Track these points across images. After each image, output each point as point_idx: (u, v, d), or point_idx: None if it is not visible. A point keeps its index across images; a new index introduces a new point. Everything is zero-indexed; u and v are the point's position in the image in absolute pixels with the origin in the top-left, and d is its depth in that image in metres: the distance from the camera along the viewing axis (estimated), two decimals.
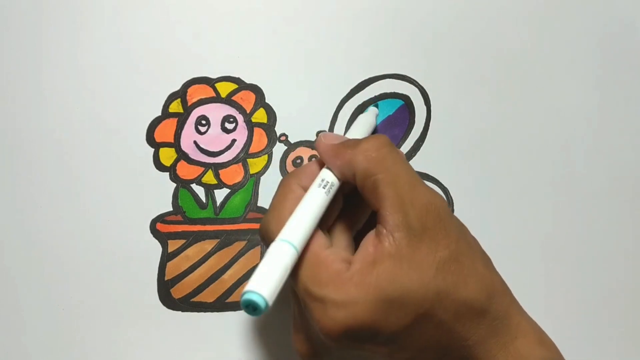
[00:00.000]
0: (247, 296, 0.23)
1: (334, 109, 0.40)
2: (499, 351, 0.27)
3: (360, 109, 0.39)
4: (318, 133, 0.39)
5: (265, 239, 0.28)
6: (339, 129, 0.39)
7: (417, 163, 0.39)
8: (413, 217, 0.26)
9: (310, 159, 0.39)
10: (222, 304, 0.37)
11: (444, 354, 0.27)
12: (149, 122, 0.39)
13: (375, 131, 0.38)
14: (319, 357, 0.29)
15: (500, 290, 0.28)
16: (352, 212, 0.30)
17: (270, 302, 0.23)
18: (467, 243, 0.28)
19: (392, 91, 0.40)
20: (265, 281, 0.24)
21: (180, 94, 0.40)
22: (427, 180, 0.39)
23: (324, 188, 0.28)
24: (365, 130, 0.35)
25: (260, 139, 0.39)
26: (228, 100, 0.40)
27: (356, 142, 0.29)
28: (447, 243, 0.26)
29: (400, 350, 0.26)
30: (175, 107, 0.40)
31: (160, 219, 0.38)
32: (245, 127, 0.39)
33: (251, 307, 0.23)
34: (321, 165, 0.30)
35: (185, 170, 0.39)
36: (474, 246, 0.29)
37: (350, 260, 0.26)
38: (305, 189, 0.29)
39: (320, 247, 0.27)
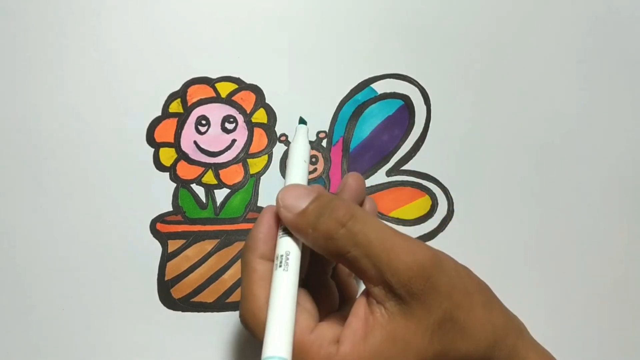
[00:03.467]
0: None
1: (334, 109, 0.40)
2: None
3: (361, 109, 0.40)
4: (318, 133, 0.39)
5: (247, 329, 0.27)
6: (339, 129, 0.39)
7: (417, 163, 0.39)
8: (397, 286, 0.25)
9: (310, 159, 0.39)
10: (222, 304, 0.37)
11: None
12: (149, 122, 0.39)
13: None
14: None
15: (502, 333, 0.27)
16: (320, 258, 0.29)
17: None
18: (462, 291, 0.26)
19: (392, 91, 0.40)
20: None
21: (180, 94, 0.40)
22: (427, 180, 0.39)
23: (289, 265, 0.26)
24: (304, 173, 0.30)
25: (260, 139, 0.39)
26: (228, 101, 0.40)
27: (317, 217, 0.26)
28: (439, 302, 0.25)
29: None
30: (176, 107, 0.40)
31: (160, 219, 0.38)
32: (246, 127, 0.39)
33: None
34: (274, 222, 0.28)
35: (186, 170, 0.39)
36: (471, 288, 0.27)
37: (339, 337, 0.25)
38: (267, 258, 0.27)
39: (303, 333, 0.25)
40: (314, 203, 0.26)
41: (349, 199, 0.29)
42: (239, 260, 0.37)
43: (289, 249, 0.26)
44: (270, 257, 0.27)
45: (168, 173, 0.39)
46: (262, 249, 0.27)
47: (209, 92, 0.40)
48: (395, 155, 0.39)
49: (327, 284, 0.31)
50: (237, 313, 0.36)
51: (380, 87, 0.40)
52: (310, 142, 0.39)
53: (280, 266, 0.26)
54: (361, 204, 0.30)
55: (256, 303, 0.26)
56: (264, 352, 0.24)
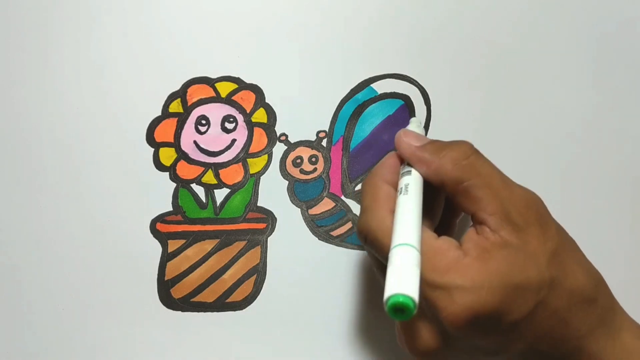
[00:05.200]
0: (396, 298, 0.22)
1: (334, 109, 0.40)
2: (607, 342, 0.27)
3: (361, 109, 0.40)
4: (318, 133, 0.39)
5: (367, 239, 0.28)
6: (339, 128, 0.39)
7: None
8: (514, 214, 0.26)
9: (310, 158, 0.39)
10: (222, 304, 0.37)
11: (556, 346, 0.27)
12: (149, 122, 0.39)
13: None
14: (428, 355, 0.27)
15: (604, 281, 0.28)
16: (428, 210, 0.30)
17: (417, 302, 0.23)
18: (567, 235, 0.28)
19: (392, 91, 0.40)
20: (407, 283, 0.23)
21: (180, 94, 0.40)
22: None
23: (410, 191, 0.27)
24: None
25: (260, 139, 0.39)
26: (228, 100, 0.40)
27: (441, 148, 0.29)
28: (552, 235, 0.27)
29: (517, 340, 0.26)
30: (175, 107, 0.40)
31: (160, 218, 0.38)
32: (245, 127, 0.39)
33: (399, 310, 0.23)
34: (399, 157, 0.30)
35: (185, 170, 0.39)
36: (572, 239, 0.29)
37: (463, 249, 0.26)
38: (391, 184, 0.29)
39: (430, 238, 0.26)
40: (435, 142, 0.29)
41: None
42: (239, 260, 0.37)
43: (409, 181, 0.28)
44: (395, 186, 0.29)
45: (168, 173, 0.39)
46: (388, 176, 0.29)
47: (208, 92, 0.40)
48: None
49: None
50: (237, 313, 0.36)
51: (380, 87, 0.40)
52: (310, 142, 0.39)
53: (403, 193, 0.27)
54: None
55: (381, 212, 0.27)
56: (395, 240, 0.25)
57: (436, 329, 0.26)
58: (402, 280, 0.23)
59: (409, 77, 0.40)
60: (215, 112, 0.40)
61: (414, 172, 0.29)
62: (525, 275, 0.25)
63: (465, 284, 0.24)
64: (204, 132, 0.39)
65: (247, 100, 0.40)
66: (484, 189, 0.27)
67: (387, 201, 0.28)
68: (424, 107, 0.40)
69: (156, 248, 0.37)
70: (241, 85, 0.40)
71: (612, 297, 0.28)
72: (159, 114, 0.40)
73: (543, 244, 0.26)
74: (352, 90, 0.40)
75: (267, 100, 0.40)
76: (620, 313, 0.28)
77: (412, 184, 0.28)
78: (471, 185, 0.27)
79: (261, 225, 0.38)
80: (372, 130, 0.39)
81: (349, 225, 0.38)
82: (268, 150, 0.39)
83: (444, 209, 0.31)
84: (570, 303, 0.26)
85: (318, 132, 0.39)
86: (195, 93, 0.40)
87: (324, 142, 0.39)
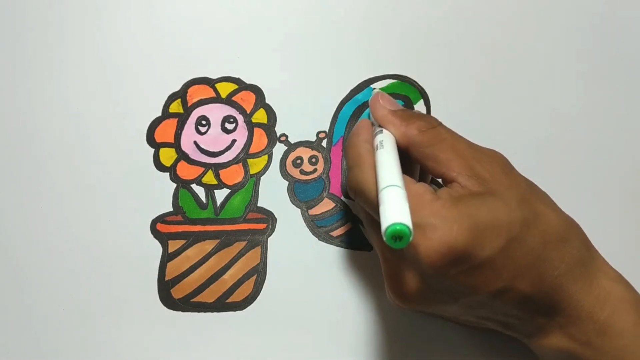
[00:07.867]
0: (393, 227, 0.24)
1: (334, 109, 0.40)
2: (584, 283, 0.28)
3: (361, 109, 0.40)
4: (318, 133, 0.39)
5: (357, 191, 0.30)
6: (339, 129, 0.39)
7: None
8: (480, 169, 0.28)
9: (310, 159, 0.39)
10: (222, 304, 0.37)
11: (535, 285, 0.27)
12: (149, 122, 0.40)
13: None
14: (412, 300, 0.29)
15: (579, 227, 0.30)
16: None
17: (412, 229, 0.24)
18: (536, 186, 0.30)
19: (392, 91, 0.40)
20: (401, 214, 0.25)
21: (180, 94, 0.40)
22: None
23: (385, 146, 0.30)
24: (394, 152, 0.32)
25: (260, 139, 0.39)
26: (228, 101, 0.40)
27: (410, 116, 0.31)
28: (518, 184, 0.29)
29: (496, 278, 0.27)
30: (176, 107, 0.40)
31: (161, 219, 0.38)
32: (246, 128, 0.39)
33: (398, 238, 0.24)
34: (370, 123, 0.33)
35: (186, 171, 0.39)
36: (543, 191, 0.30)
37: (437, 195, 0.28)
38: (368, 143, 0.31)
39: (409, 183, 0.28)
40: (406, 110, 0.32)
41: None
42: (239, 260, 0.37)
43: (383, 138, 0.30)
44: (371, 144, 0.31)
45: (168, 173, 0.39)
46: (365, 136, 0.31)
47: (209, 93, 0.40)
48: None
49: None
50: (237, 313, 0.36)
51: (380, 88, 0.40)
52: (310, 142, 0.39)
53: (380, 148, 0.30)
54: None
55: (368, 167, 0.29)
56: (381, 184, 0.27)
57: (417, 272, 0.27)
58: (396, 211, 0.25)
59: (409, 77, 0.40)
60: (216, 112, 0.40)
61: (385, 131, 0.31)
62: (495, 214, 0.27)
63: (436, 222, 0.26)
64: (204, 133, 0.39)
65: (247, 101, 0.40)
66: (449, 151, 0.29)
67: (368, 157, 0.30)
68: (424, 107, 0.40)
69: (156, 248, 0.37)
70: (241, 85, 0.40)
71: (589, 242, 0.30)
72: (159, 114, 0.40)
73: (510, 191, 0.28)
74: (352, 90, 0.40)
75: (267, 101, 0.40)
76: (598, 258, 0.29)
77: (385, 140, 0.30)
78: (436, 148, 0.29)
79: (261, 226, 0.38)
80: None
81: (349, 225, 0.38)
82: (268, 151, 0.39)
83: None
84: (544, 241, 0.27)
85: (318, 133, 0.39)
86: (196, 93, 0.40)
87: (324, 143, 0.39)
